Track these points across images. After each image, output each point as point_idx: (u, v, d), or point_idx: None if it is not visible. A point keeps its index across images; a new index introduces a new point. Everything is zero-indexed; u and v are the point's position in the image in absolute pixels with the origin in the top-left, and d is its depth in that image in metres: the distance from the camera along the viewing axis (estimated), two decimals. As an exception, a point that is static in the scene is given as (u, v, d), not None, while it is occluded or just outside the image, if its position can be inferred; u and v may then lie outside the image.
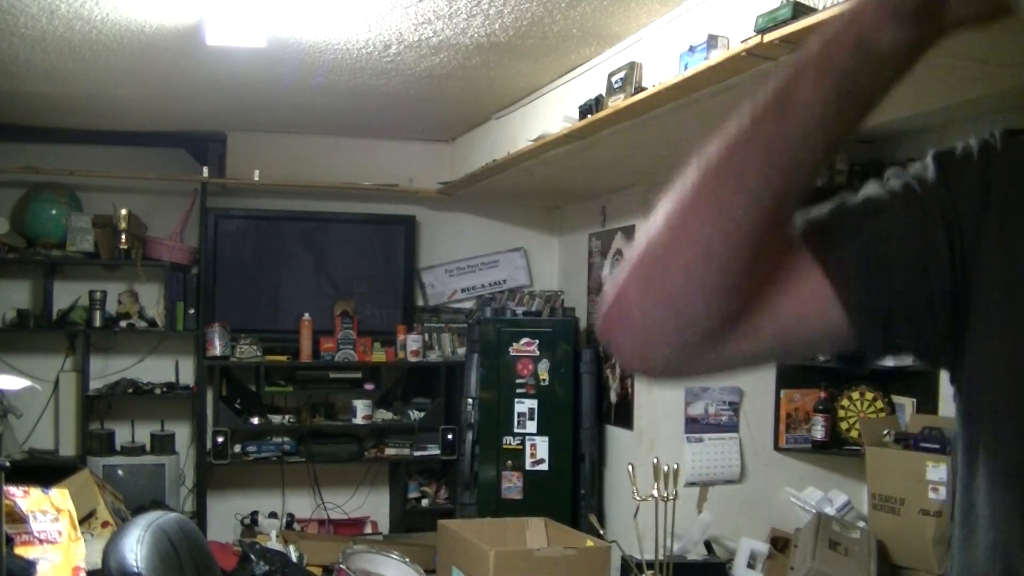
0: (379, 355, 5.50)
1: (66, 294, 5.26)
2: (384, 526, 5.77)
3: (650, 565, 3.94)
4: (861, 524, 4.61)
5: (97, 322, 5.16)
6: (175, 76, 4.15)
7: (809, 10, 2.39)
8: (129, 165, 5.35)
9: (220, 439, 5.21)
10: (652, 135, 3.64)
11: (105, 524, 4.21)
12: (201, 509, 5.27)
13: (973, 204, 0.83)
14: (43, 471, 4.36)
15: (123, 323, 5.26)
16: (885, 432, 4.71)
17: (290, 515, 5.59)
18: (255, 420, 5.35)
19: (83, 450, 5.10)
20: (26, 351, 5.21)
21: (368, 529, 5.71)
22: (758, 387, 4.99)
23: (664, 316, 0.82)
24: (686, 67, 2.94)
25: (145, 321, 5.31)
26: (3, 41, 3.62)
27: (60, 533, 3.49)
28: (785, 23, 2.42)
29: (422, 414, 5.54)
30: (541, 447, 5.17)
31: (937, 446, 4.36)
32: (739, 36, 2.69)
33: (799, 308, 0.83)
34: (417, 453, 5.54)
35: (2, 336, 5.16)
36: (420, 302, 5.85)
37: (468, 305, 5.93)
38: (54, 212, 5.14)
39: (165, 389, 5.30)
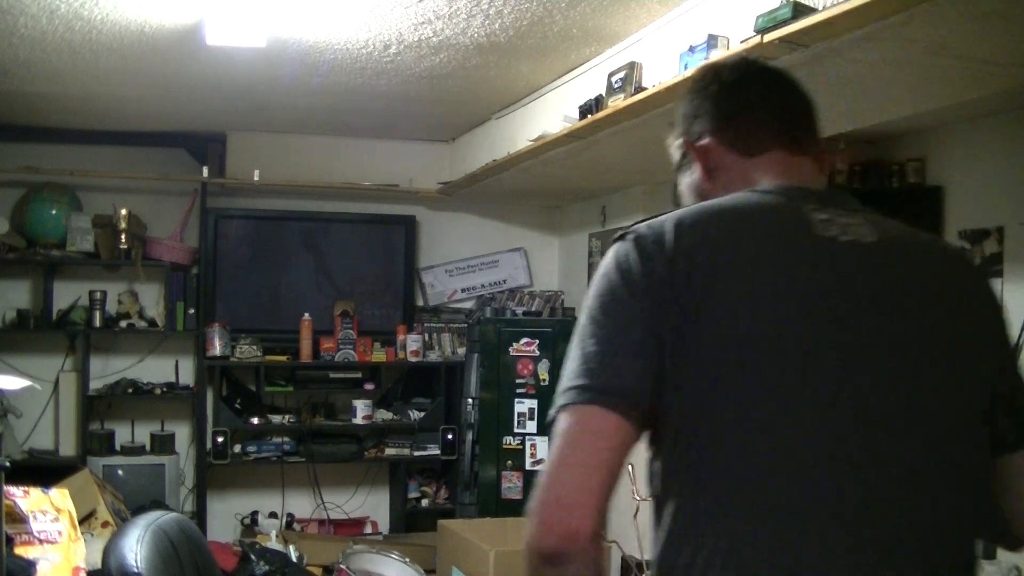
0: (379, 355, 5.50)
1: (66, 294, 5.26)
2: (384, 526, 5.77)
3: (650, 565, 3.93)
4: (861, 524, 4.61)
5: (97, 322, 5.16)
6: (175, 76, 4.14)
7: (809, 10, 2.38)
8: (129, 165, 5.35)
9: (220, 439, 5.21)
10: (652, 135, 3.63)
11: (105, 524, 4.21)
12: (201, 509, 5.27)
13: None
14: (43, 471, 4.36)
15: (123, 323, 5.26)
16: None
17: (290, 515, 5.58)
18: (255, 420, 5.34)
19: (83, 450, 5.10)
20: (26, 351, 5.21)
21: (368, 529, 5.71)
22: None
23: None
24: (686, 67, 2.94)
25: (145, 321, 5.31)
26: (3, 41, 3.62)
27: (60, 533, 3.49)
28: (785, 23, 2.41)
29: (422, 414, 5.54)
30: (541, 447, 5.17)
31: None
32: (739, 36, 2.69)
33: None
34: (417, 453, 5.54)
35: (2, 336, 5.16)
36: (420, 302, 5.85)
37: (468, 305, 5.93)
38: (54, 212, 5.14)
39: (165, 389, 5.29)
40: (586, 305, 1.18)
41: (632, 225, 1.20)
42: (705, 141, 1.33)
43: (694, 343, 1.11)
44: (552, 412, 1.13)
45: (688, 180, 1.37)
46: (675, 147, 1.39)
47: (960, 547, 1.19)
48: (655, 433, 1.16)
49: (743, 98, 1.33)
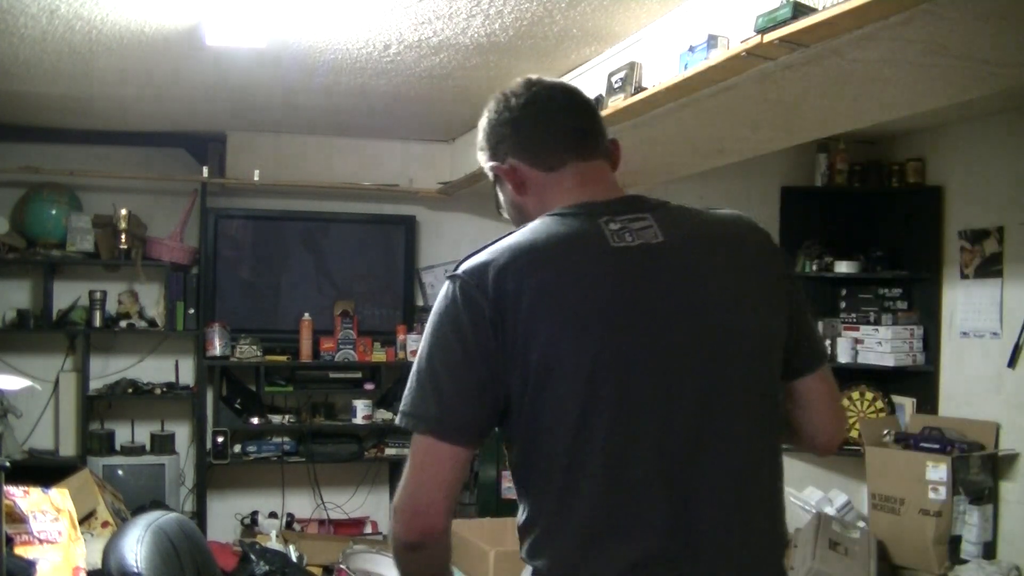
0: (379, 355, 5.50)
1: (66, 294, 5.26)
2: (384, 526, 5.77)
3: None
4: (861, 524, 4.62)
5: (97, 322, 5.16)
6: (175, 76, 4.14)
7: (809, 10, 2.39)
8: (129, 165, 5.35)
9: (220, 439, 5.21)
10: (652, 135, 3.64)
11: (105, 524, 4.21)
12: (201, 509, 5.27)
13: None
14: (43, 471, 4.36)
15: (123, 323, 5.26)
16: (885, 432, 4.72)
17: (290, 515, 5.59)
18: (255, 420, 5.34)
19: (83, 450, 5.10)
20: (26, 351, 5.21)
21: (368, 529, 5.71)
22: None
23: None
24: (686, 67, 2.94)
25: (145, 321, 5.31)
26: (3, 41, 3.62)
27: (60, 533, 3.49)
28: (785, 23, 2.42)
29: (422, 414, 5.54)
30: (541, 447, 5.17)
31: (937, 446, 4.37)
32: (739, 36, 2.70)
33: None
34: (417, 453, 5.54)
35: (2, 336, 5.16)
36: (420, 302, 5.85)
37: (468, 305, 5.92)
38: (54, 212, 5.13)
39: (165, 389, 5.29)
40: (425, 338, 1.42)
41: (461, 262, 1.44)
42: (510, 163, 1.57)
43: (518, 374, 1.35)
44: (398, 421, 1.42)
45: (505, 196, 1.65)
46: (487, 168, 1.62)
47: (763, 494, 1.43)
48: (506, 432, 1.43)
49: (531, 119, 1.53)
